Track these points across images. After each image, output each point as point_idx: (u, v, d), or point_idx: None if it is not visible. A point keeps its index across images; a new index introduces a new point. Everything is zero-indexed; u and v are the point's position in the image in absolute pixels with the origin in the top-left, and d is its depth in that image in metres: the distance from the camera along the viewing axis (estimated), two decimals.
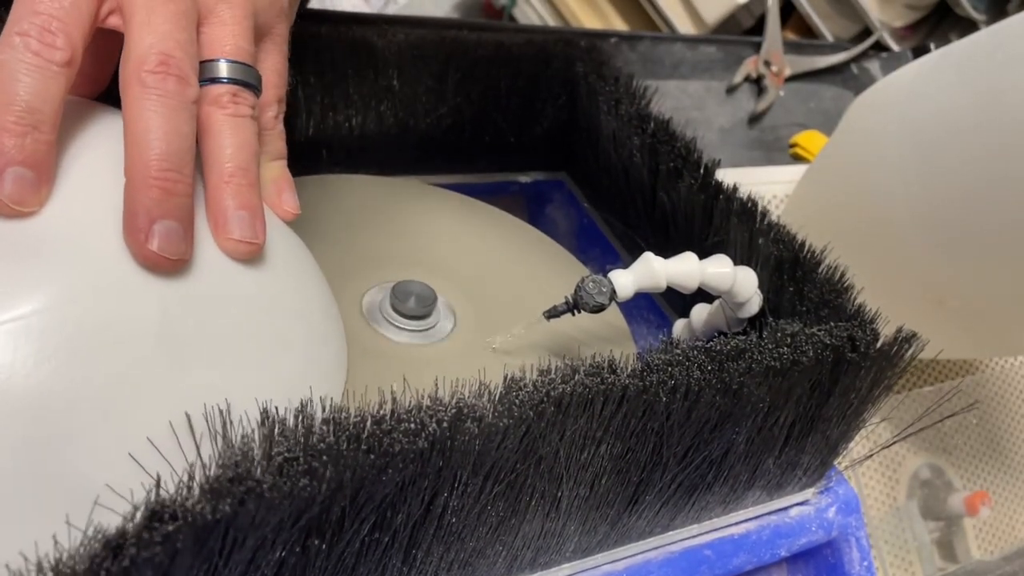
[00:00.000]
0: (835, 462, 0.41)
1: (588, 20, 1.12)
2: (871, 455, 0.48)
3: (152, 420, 0.26)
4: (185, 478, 0.23)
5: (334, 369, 0.34)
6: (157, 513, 0.21)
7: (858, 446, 0.43)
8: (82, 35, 0.28)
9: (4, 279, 0.25)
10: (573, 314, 0.37)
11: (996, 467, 0.71)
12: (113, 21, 0.29)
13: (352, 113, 0.48)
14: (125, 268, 0.27)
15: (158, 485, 0.23)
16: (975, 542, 0.67)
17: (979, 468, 0.70)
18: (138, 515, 0.22)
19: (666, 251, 0.38)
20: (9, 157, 0.26)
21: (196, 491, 0.22)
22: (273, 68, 0.34)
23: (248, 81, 0.31)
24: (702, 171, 0.45)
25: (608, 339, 0.43)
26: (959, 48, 0.55)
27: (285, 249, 0.33)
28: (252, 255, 0.30)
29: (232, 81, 0.30)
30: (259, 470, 0.23)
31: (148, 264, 0.27)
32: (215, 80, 0.30)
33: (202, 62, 0.30)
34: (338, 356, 0.34)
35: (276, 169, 0.34)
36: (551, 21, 1.17)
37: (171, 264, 0.27)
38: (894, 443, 0.62)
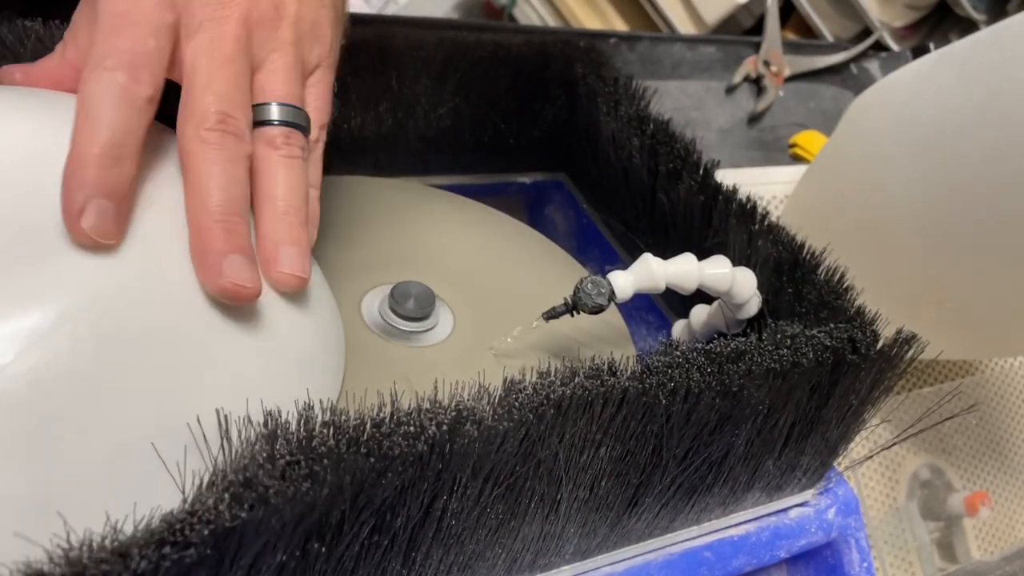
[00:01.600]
0: (835, 463, 0.41)
1: (588, 20, 1.12)
2: (870, 456, 0.48)
3: (155, 423, 0.26)
4: (198, 482, 0.23)
5: (333, 370, 0.34)
6: (184, 520, 0.22)
7: (858, 447, 0.43)
8: (163, 74, 0.29)
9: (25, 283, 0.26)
10: (572, 315, 0.37)
11: (996, 467, 0.71)
12: (174, 73, 0.30)
13: (351, 114, 0.48)
14: (138, 273, 0.28)
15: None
16: (975, 542, 0.67)
17: (979, 468, 0.70)
18: (158, 520, 0.22)
19: (665, 252, 0.38)
20: (93, 189, 0.27)
21: (216, 496, 0.22)
22: (318, 96, 0.35)
23: (298, 123, 0.32)
24: (701, 172, 0.45)
25: (607, 340, 0.43)
26: (959, 48, 0.55)
27: None
28: (299, 288, 0.31)
29: (283, 123, 0.32)
30: (263, 474, 0.23)
31: (226, 296, 0.28)
32: (267, 123, 0.32)
33: (255, 105, 0.32)
34: (337, 357, 0.34)
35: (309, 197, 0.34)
36: (551, 21, 1.17)
37: (246, 292, 0.29)
38: (893, 445, 0.62)
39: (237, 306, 0.29)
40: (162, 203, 0.29)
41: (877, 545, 0.62)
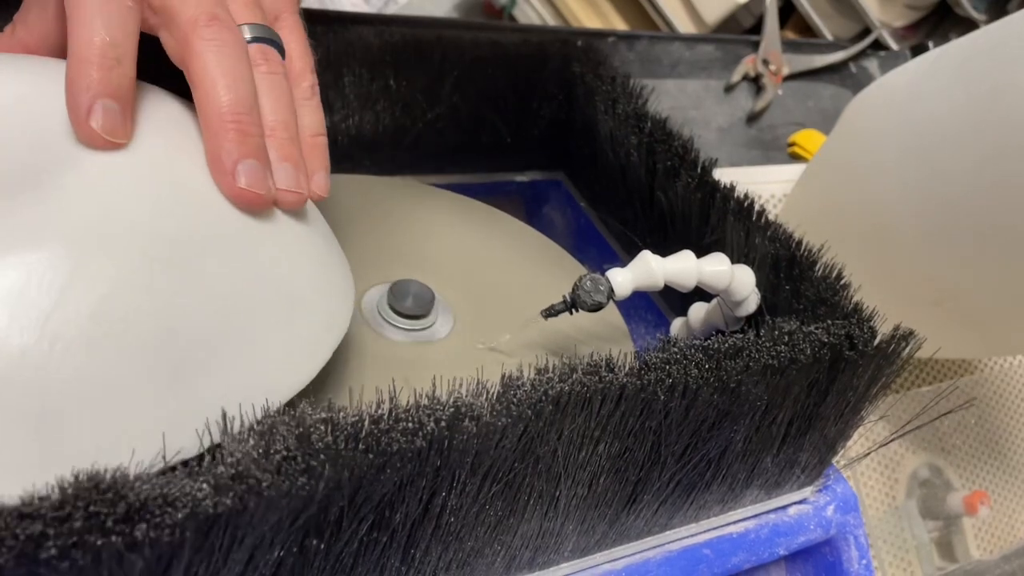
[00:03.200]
0: (833, 460, 0.41)
1: (588, 20, 1.12)
2: (868, 453, 0.48)
3: (157, 400, 0.26)
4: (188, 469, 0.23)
5: (336, 316, 0.33)
6: (167, 497, 0.22)
7: (856, 445, 0.43)
8: None
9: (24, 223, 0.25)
10: (571, 313, 0.37)
11: (995, 467, 0.71)
12: (151, 22, 0.30)
13: (349, 113, 0.48)
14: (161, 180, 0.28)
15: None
16: (974, 542, 0.67)
17: (978, 468, 0.70)
18: (146, 494, 0.22)
19: (664, 250, 0.38)
20: (98, 90, 0.27)
21: (202, 484, 0.22)
22: (295, 42, 0.35)
23: (271, 38, 0.33)
24: (699, 170, 0.45)
25: (606, 338, 0.43)
26: (957, 47, 0.55)
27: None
28: (298, 205, 0.31)
29: (256, 40, 0.32)
30: (256, 468, 0.23)
31: (241, 202, 0.29)
32: None
33: None
34: (342, 305, 0.34)
35: (318, 143, 0.35)
36: (551, 21, 1.17)
37: (260, 199, 0.29)
38: (891, 441, 0.62)
39: (251, 211, 0.29)
40: (159, 117, 0.29)
41: (876, 544, 0.62)
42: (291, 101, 0.33)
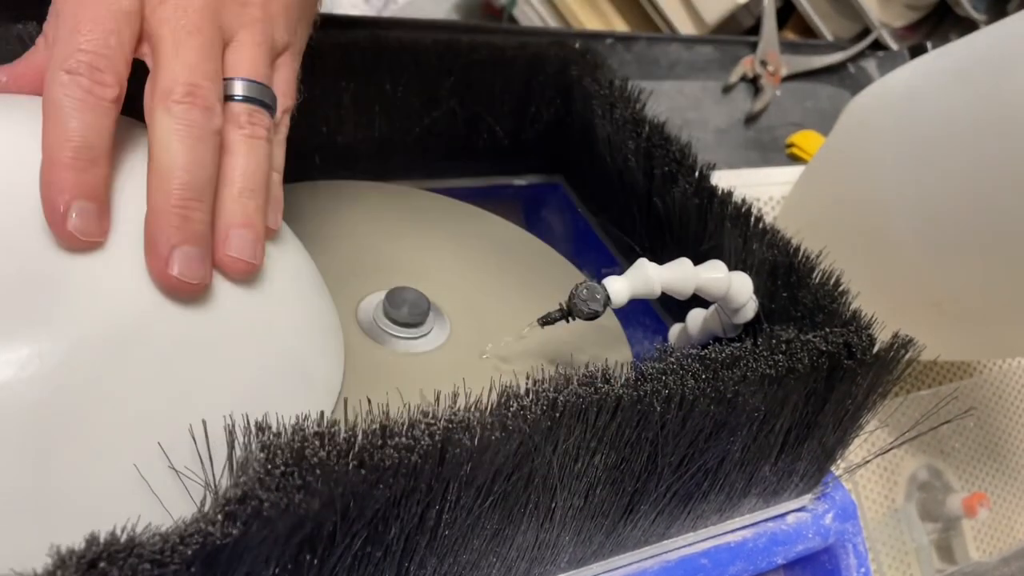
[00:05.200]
0: (832, 468, 0.41)
1: (588, 20, 1.11)
2: (867, 461, 0.48)
3: (151, 435, 0.26)
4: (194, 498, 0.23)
5: (332, 378, 0.33)
6: (177, 536, 0.21)
7: (855, 450, 0.42)
8: (126, 69, 0.29)
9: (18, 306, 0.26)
10: (567, 321, 0.37)
11: (994, 469, 0.71)
12: (142, 50, 0.30)
13: (345, 117, 0.48)
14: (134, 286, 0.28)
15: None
16: (973, 544, 0.67)
17: (977, 470, 0.70)
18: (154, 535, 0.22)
19: (661, 255, 0.38)
20: (73, 192, 0.27)
21: (210, 513, 0.22)
22: (284, 80, 0.34)
23: (263, 100, 0.32)
24: (697, 176, 0.45)
25: (603, 344, 0.43)
26: (956, 49, 0.55)
27: (288, 261, 0.33)
28: (247, 275, 0.30)
29: (247, 99, 0.31)
30: (259, 487, 0.23)
31: (169, 289, 0.28)
32: (230, 98, 0.31)
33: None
34: (336, 365, 0.34)
35: (271, 181, 0.34)
36: (551, 21, 1.17)
37: (191, 288, 0.28)
38: (890, 449, 0.62)
39: (180, 299, 0.28)
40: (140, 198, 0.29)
41: (875, 547, 0.62)
42: (267, 168, 0.32)
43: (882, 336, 0.37)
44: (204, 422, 0.26)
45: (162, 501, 0.26)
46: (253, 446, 0.25)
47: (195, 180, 0.28)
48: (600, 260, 0.53)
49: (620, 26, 1.10)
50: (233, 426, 0.26)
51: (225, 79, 0.31)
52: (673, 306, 0.49)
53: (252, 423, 0.25)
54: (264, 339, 0.30)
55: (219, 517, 0.22)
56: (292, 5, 0.34)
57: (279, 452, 0.24)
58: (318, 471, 0.24)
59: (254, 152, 0.31)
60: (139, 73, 0.30)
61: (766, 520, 0.39)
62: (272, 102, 0.32)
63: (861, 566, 0.41)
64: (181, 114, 0.28)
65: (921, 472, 0.67)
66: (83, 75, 0.27)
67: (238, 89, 0.31)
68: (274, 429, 0.25)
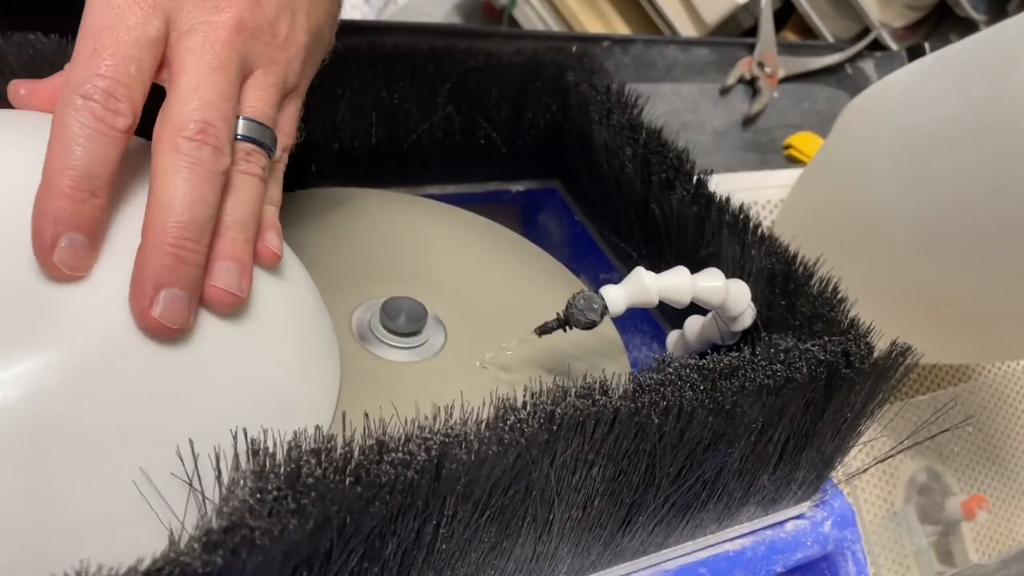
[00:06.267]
0: (831, 475, 0.41)
1: (588, 21, 1.11)
2: (865, 469, 0.47)
3: (135, 460, 0.26)
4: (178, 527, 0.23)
5: (326, 393, 0.33)
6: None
7: (853, 457, 0.42)
8: (143, 98, 0.28)
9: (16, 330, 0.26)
10: (564, 331, 0.37)
11: (993, 471, 0.71)
12: (162, 76, 0.29)
13: (341, 124, 0.48)
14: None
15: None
16: (973, 546, 0.67)
17: (976, 472, 0.70)
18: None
19: (658, 262, 0.38)
20: (66, 223, 0.26)
21: (190, 545, 0.22)
22: (287, 120, 0.34)
23: (263, 142, 0.31)
24: (694, 182, 0.44)
25: (601, 352, 0.43)
26: (955, 51, 0.55)
27: (283, 289, 0.33)
28: (231, 307, 0.29)
29: (245, 139, 0.31)
30: (250, 516, 0.23)
31: (147, 330, 0.27)
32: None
33: None
34: (331, 380, 0.34)
35: (267, 212, 0.33)
36: (552, 22, 1.17)
37: (170, 332, 0.27)
38: (888, 457, 0.62)
39: (157, 339, 0.27)
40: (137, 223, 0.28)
41: (874, 550, 0.62)
42: (259, 204, 0.31)
43: (880, 342, 0.37)
44: (191, 440, 0.26)
45: (151, 523, 0.26)
46: (242, 469, 0.24)
47: (195, 219, 0.28)
48: (597, 265, 0.53)
49: (620, 26, 1.10)
50: (220, 451, 0.26)
51: None
52: (671, 312, 0.49)
53: (247, 443, 0.25)
54: (247, 371, 0.30)
55: (197, 548, 0.22)
56: (309, 48, 0.34)
57: (272, 477, 0.24)
58: (313, 493, 0.24)
59: (245, 188, 0.30)
60: (152, 93, 0.29)
61: (765, 528, 0.39)
62: (272, 143, 0.32)
63: (860, 573, 0.41)
64: (190, 151, 0.28)
65: (920, 475, 0.67)
66: (97, 101, 0.27)
67: (240, 128, 0.31)
68: (268, 449, 0.25)
